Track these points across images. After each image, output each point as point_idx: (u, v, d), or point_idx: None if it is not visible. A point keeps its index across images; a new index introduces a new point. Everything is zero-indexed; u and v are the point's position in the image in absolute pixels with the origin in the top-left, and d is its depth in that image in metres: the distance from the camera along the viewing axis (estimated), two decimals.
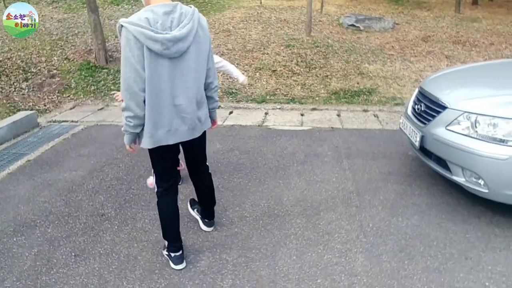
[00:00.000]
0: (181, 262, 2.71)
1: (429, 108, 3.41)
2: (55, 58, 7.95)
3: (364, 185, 3.71)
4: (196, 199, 3.13)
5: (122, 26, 2.18)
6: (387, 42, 8.85)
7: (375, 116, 5.68)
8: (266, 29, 9.30)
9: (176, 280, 2.58)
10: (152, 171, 2.79)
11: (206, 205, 3.05)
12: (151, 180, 3.28)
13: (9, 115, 5.82)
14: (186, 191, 3.60)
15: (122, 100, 2.33)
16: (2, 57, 7.71)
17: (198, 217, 3.17)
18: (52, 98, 6.88)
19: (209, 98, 2.64)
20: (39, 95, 6.87)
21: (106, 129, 5.40)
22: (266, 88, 6.81)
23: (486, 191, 2.97)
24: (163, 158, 2.58)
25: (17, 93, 6.78)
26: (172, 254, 2.72)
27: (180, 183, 3.56)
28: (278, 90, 6.77)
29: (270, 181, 3.82)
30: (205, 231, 3.07)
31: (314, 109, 6.03)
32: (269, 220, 3.19)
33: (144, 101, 2.30)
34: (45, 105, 6.63)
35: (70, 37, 8.89)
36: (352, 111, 5.92)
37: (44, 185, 3.90)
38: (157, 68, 2.25)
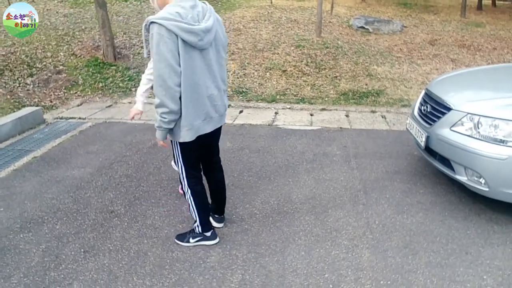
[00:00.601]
0: (216, 237, 2.96)
1: (434, 109, 3.51)
2: (61, 53, 7.85)
3: (371, 183, 3.81)
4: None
5: (152, 23, 2.24)
6: (395, 45, 8.91)
7: (382, 117, 5.77)
8: (276, 29, 9.36)
9: (186, 275, 2.62)
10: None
11: (219, 199, 3.13)
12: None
13: (14, 111, 5.70)
14: None
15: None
16: (5, 51, 7.50)
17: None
18: (58, 94, 6.79)
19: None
20: (44, 91, 6.78)
21: (115, 127, 5.40)
22: (276, 88, 6.91)
23: (487, 189, 3.07)
24: (196, 149, 2.67)
25: (21, 89, 6.66)
26: (208, 234, 2.93)
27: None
28: (288, 90, 6.86)
29: (280, 179, 3.92)
30: (215, 227, 3.14)
31: (323, 109, 6.13)
32: (279, 217, 3.28)
33: (179, 96, 2.37)
34: (51, 102, 6.55)
35: (77, 32, 8.79)
36: (360, 112, 6.01)
37: (52, 182, 3.90)
38: (191, 61, 2.35)
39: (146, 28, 2.31)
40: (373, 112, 6.01)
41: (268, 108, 6.21)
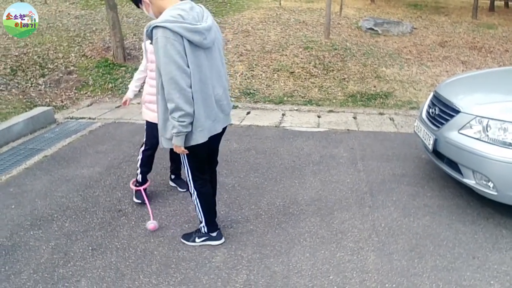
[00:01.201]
0: (222, 237, 2.99)
1: (442, 112, 3.48)
2: (73, 54, 7.96)
3: (378, 186, 3.79)
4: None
5: (155, 27, 2.25)
6: (404, 46, 8.86)
7: (390, 119, 5.74)
8: (285, 30, 9.36)
9: (192, 274, 2.64)
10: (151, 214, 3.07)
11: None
12: (152, 225, 3.17)
13: (26, 111, 5.80)
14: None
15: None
16: (18, 52, 7.66)
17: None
18: (69, 94, 6.89)
19: None
20: (56, 91, 6.89)
21: (124, 127, 5.45)
22: (284, 90, 6.91)
23: (495, 193, 3.04)
24: (204, 152, 2.66)
25: (33, 89, 6.78)
26: (214, 234, 2.96)
27: (184, 190, 3.68)
28: (295, 91, 6.86)
29: (286, 180, 3.92)
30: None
31: (330, 111, 6.12)
32: (284, 218, 3.28)
33: (192, 97, 2.36)
34: (62, 102, 6.64)
35: (87, 33, 8.88)
36: (368, 114, 5.98)
37: (62, 181, 3.96)
38: (197, 61, 2.36)
39: (148, 34, 2.32)
40: (381, 114, 5.98)
41: (276, 109, 6.22)
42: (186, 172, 2.75)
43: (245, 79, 7.20)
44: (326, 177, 3.98)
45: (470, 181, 3.21)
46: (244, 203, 3.52)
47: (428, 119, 3.71)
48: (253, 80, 7.19)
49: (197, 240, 2.97)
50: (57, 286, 2.57)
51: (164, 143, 2.58)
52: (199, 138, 2.48)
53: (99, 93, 6.97)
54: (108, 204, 3.51)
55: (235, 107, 6.23)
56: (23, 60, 7.45)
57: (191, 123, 2.41)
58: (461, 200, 3.52)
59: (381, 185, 3.80)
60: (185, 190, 3.65)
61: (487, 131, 3.06)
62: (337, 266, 2.71)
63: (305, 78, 7.30)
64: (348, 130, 5.32)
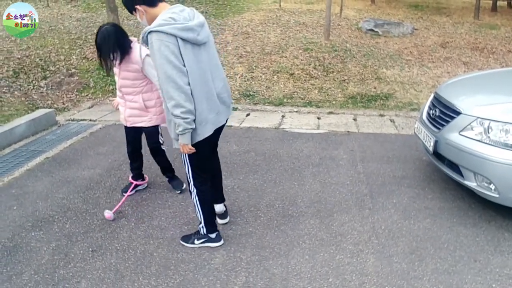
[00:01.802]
0: (221, 239, 2.99)
1: (443, 113, 3.46)
2: (74, 57, 7.99)
3: (378, 188, 3.77)
4: None
5: (150, 32, 2.33)
6: (405, 48, 8.84)
7: (391, 121, 5.72)
8: (284, 32, 9.35)
9: (191, 276, 2.65)
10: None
11: (219, 185, 3.19)
12: (107, 214, 3.32)
13: (28, 113, 5.85)
14: None
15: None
16: (21, 54, 7.72)
17: None
18: (70, 96, 6.93)
19: None
20: (57, 93, 6.92)
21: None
22: (284, 91, 6.90)
23: (497, 196, 3.01)
24: (207, 146, 2.71)
25: (35, 91, 6.82)
26: (213, 235, 2.95)
27: (179, 192, 3.73)
28: (295, 93, 6.85)
29: (285, 182, 3.91)
30: (220, 223, 3.20)
31: (330, 112, 6.10)
32: (283, 220, 3.27)
33: (192, 94, 2.43)
34: (63, 104, 6.67)
35: (89, 36, 8.89)
36: (368, 116, 5.96)
37: (63, 182, 3.99)
38: (195, 57, 2.45)
39: (144, 40, 2.39)
40: (381, 115, 5.96)
41: (275, 111, 6.20)
42: (186, 170, 2.76)
43: (245, 81, 7.19)
44: (325, 179, 3.96)
45: (471, 183, 3.18)
46: (243, 205, 3.51)
47: (429, 120, 3.69)
48: (253, 82, 7.18)
49: (196, 242, 2.97)
50: (57, 287, 2.59)
51: (175, 144, 2.65)
52: (205, 132, 2.56)
53: (100, 95, 7.00)
54: (108, 206, 3.51)
55: (234, 109, 6.21)
56: (26, 62, 7.51)
57: (194, 120, 2.47)
58: (462, 203, 3.49)
59: (381, 187, 3.78)
60: (179, 191, 3.70)
61: (488, 132, 3.04)
62: (337, 269, 2.70)
63: (305, 80, 7.28)
64: (348, 131, 5.30)
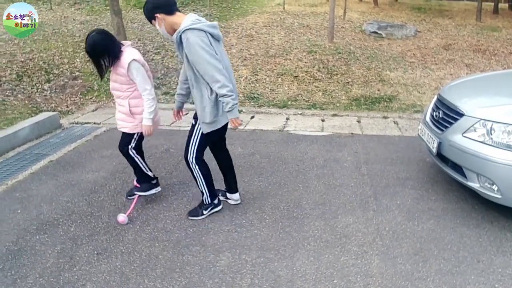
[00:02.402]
0: (221, 203, 3.46)
1: (446, 115, 3.49)
2: (78, 60, 7.99)
3: (382, 190, 3.79)
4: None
5: (184, 31, 2.75)
6: (408, 50, 8.86)
7: (394, 123, 5.74)
8: (288, 34, 9.38)
9: (196, 278, 2.66)
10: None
11: (232, 175, 3.53)
12: (121, 218, 3.33)
13: (31, 116, 5.86)
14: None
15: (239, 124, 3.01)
16: (24, 57, 7.73)
17: (224, 198, 3.60)
18: (74, 100, 6.93)
19: None
20: (61, 96, 6.92)
21: None
22: (288, 94, 6.93)
23: (500, 196, 3.03)
24: (220, 133, 3.20)
25: (39, 94, 6.83)
26: (216, 201, 3.40)
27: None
28: (299, 95, 6.88)
29: (290, 184, 3.93)
30: (236, 202, 3.56)
31: (334, 115, 6.13)
32: (288, 222, 3.29)
33: None
34: (67, 107, 6.67)
35: None
36: (372, 118, 5.99)
37: (67, 185, 3.99)
38: (220, 50, 2.92)
39: (178, 40, 2.81)
40: (385, 117, 5.98)
41: (280, 113, 6.23)
42: (190, 150, 3.15)
43: (249, 84, 7.23)
44: (330, 181, 3.98)
45: (475, 184, 3.20)
46: (248, 207, 3.53)
47: (432, 122, 3.71)
48: (257, 85, 7.21)
49: (204, 212, 3.35)
50: None
51: (205, 128, 3.05)
52: (235, 113, 2.95)
53: (104, 98, 7.00)
54: (113, 209, 3.53)
55: (239, 111, 6.24)
56: (29, 65, 7.51)
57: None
58: (466, 204, 3.51)
59: (385, 189, 3.81)
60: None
61: (491, 134, 3.06)
62: (341, 270, 2.71)
63: (309, 82, 7.31)
64: (352, 134, 5.33)
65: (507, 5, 14.56)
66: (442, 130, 3.48)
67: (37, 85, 7.07)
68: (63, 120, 6.05)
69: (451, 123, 3.39)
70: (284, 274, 2.69)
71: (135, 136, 3.46)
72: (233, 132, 5.22)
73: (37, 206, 3.62)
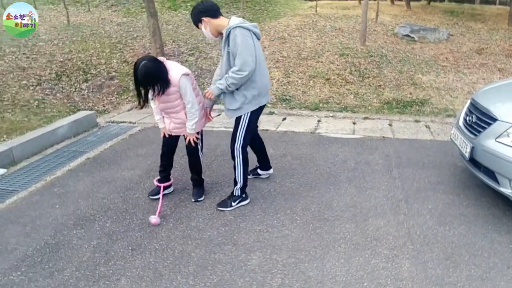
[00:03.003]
0: (248, 197, 3.69)
1: (480, 119, 3.47)
2: (114, 60, 8.20)
3: (413, 193, 3.79)
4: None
5: (235, 27, 3.16)
6: (441, 53, 8.72)
7: (426, 127, 5.70)
8: (320, 37, 9.39)
9: (228, 276, 2.70)
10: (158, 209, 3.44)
11: (266, 155, 4.05)
12: (154, 220, 3.38)
13: (70, 115, 6.06)
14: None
15: (210, 97, 3.39)
16: (63, 58, 8.00)
17: (256, 175, 4.12)
18: (111, 99, 7.12)
19: None
20: (98, 96, 7.14)
21: None
22: (320, 96, 6.96)
23: None
24: (257, 120, 3.58)
25: (77, 93, 7.06)
26: (244, 195, 3.64)
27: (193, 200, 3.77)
28: (331, 98, 6.90)
29: (321, 186, 3.97)
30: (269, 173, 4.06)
31: (366, 118, 6.13)
32: (319, 224, 3.33)
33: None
34: (104, 106, 6.86)
35: (129, 40, 9.18)
36: (404, 121, 5.96)
37: (103, 182, 4.12)
38: (258, 48, 3.30)
39: (226, 35, 3.19)
40: (417, 121, 5.94)
41: (311, 116, 6.28)
42: (238, 139, 3.44)
43: (281, 86, 7.29)
44: (361, 184, 4.01)
45: (507, 190, 3.18)
46: (279, 208, 3.59)
47: (465, 126, 3.70)
48: (289, 87, 7.28)
49: (233, 204, 3.56)
50: (98, 284, 2.67)
51: (228, 113, 3.45)
52: (263, 99, 3.45)
53: None
54: (147, 206, 3.63)
55: (271, 113, 6.34)
56: (68, 65, 7.79)
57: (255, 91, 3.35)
58: (498, 210, 3.48)
59: (417, 193, 3.81)
60: (194, 200, 3.73)
61: None
62: (372, 273, 2.73)
63: (340, 85, 7.32)
64: (383, 137, 5.33)
65: None
66: (475, 135, 3.47)
67: (75, 84, 7.33)
68: (100, 119, 6.23)
69: (484, 128, 3.37)
70: (314, 275, 2.72)
71: (201, 137, 3.69)
72: (265, 133, 5.32)
73: (74, 202, 3.75)
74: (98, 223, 3.38)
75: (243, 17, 3.81)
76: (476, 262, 2.83)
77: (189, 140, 3.58)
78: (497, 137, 3.22)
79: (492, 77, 7.59)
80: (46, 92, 6.83)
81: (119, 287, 2.65)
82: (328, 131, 5.57)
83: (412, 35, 9.57)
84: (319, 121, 6.03)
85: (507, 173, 3.13)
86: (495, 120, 3.28)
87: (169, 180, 3.84)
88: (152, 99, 3.41)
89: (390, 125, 5.82)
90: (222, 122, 5.89)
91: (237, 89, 3.32)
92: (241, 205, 3.59)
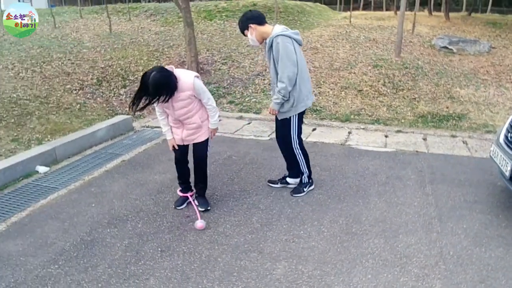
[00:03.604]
0: (313, 183, 4.09)
1: None
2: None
3: (447, 212, 3.65)
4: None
5: (276, 36, 3.43)
6: (481, 66, 8.45)
7: (463, 143, 5.49)
8: (354, 48, 9.31)
9: (253, 284, 2.70)
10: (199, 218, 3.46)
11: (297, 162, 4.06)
12: (200, 224, 3.41)
13: (108, 118, 6.32)
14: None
15: (275, 113, 3.69)
16: (104, 64, 8.33)
17: (286, 184, 4.13)
18: None
19: None
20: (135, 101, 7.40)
21: None
22: (351, 108, 6.86)
23: None
24: (302, 119, 3.82)
25: (115, 98, 7.29)
26: (311, 180, 4.04)
27: (203, 210, 3.70)
28: (363, 110, 6.78)
29: (350, 199, 3.89)
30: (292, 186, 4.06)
31: (399, 131, 5.98)
32: (347, 237, 3.25)
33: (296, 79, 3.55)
34: (140, 111, 7.08)
35: (165, 48, 9.44)
36: (439, 136, 5.77)
37: (136, 184, 4.25)
38: (300, 54, 3.57)
39: (270, 42, 3.48)
40: (453, 136, 5.74)
41: (342, 127, 6.19)
42: (293, 139, 3.78)
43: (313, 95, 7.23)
44: (391, 199, 3.90)
45: None
46: (306, 218, 3.54)
47: (506, 144, 3.53)
48: (320, 97, 7.21)
49: (304, 189, 3.97)
50: (128, 282, 2.75)
51: (280, 116, 3.72)
52: (308, 102, 3.71)
53: None
54: (177, 210, 3.70)
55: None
56: (108, 71, 8.08)
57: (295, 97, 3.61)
58: None
59: (451, 211, 3.65)
60: (203, 209, 3.69)
61: None
62: None
63: (373, 97, 7.19)
64: (417, 151, 5.17)
65: None
66: None
67: (114, 90, 7.57)
68: (136, 123, 6.43)
69: None
70: None
71: (209, 142, 3.69)
72: None
73: (109, 202, 3.89)
74: (130, 223, 3.49)
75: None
76: None
77: (199, 147, 3.61)
78: None
79: None
80: (88, 96, 7.08)
81: (147, 287, 2.70)
82: (358, 143, 5.47)
83: (450, 47, 9.33)
84: (349, 132, 5.93)
85: None
86: None
87: (192, 189, 3.86)
88: (159, 112, 3.54)
89: (424, 139, 5.65)
90: (252, 131, 5.89)
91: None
92: (310, 190, 4.00)
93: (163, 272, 2.84)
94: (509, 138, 3.51)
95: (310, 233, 3.31)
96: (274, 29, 3.55)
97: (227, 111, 6.99)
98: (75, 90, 7.16)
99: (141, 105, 3.28)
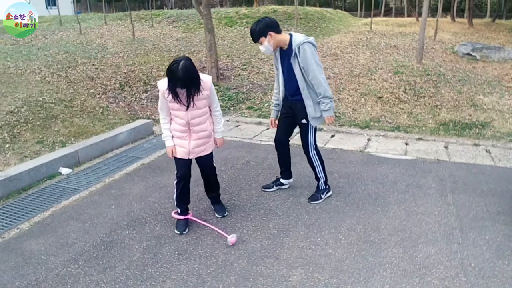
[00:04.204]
0: (331, 190, 4.09)
1: None
2: None
3: (469, 222, 3.56)
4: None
5: (304, 42, 3.50)
6: (506, 74, 8.26)
7: (487, 151, 5.37)
8: (374, 54, 9.24)
9: None
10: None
11: (290, 165, 4.16)
12: (232, 239, 3.27)
13: (129, 122, 6.45)
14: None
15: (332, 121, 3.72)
16: (127, 69, 8.49)
17: (281, 185, 4.19)
18: None
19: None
20: (155, 106, 7.33)
21: None
22: (371, 114, 6.79)
23: None
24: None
25: (137, 103, 7.43)
26: (328, 187, 4.03)
27: (220, 216, 3.70)
28: (383, 117, 6.71)
29: (368, 207, 3.85)
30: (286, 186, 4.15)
31: (419, 139, 5.88)
32: (364, 245, 3.21)
33: None
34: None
35: (186, 54, 9.52)
36: (461, 144, 5.66)
37: (155, 187, 4.31)
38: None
39: (297, 49, 3.51)
40: (476, 145, 5.62)
41: (361, 134, 6.13)
42: (310, 144, 3.82)
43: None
44: (411, 208, 3.83)
45: None
46: (324, 226, 3.52)
47: None
48: (340, 104, 7.17)
49: (322, 196, 3.96)
50: (145, 284, 2.79)
51: (314, 122, 3.71)
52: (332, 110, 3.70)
53: None
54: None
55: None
56: (130, 77, 8.25)
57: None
58: None
59: (473, 222, 3.57)
60: (221, 216, 3.69)
61: None
62: None
63: (393, 104, 7.11)
64: (438, 160, 5.08)
65: None
66: None
67: (136, 94, 7.73)
68: (156, 127, 6.45)
69: None
70: None
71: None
72: None
73: (128, 204, 3.97)
74: (149, 226, 3.55)
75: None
76: None
77: (206, 159, 3.52)
78: None
79: None
80: (110, 101, 7.24)
81: None
82: (378, 151, 5.41)
83: (473, 54, 9.17)
84: (369, 139, 5.87)
85: None
86: None
87: (189, 212, 3.62)
88: (163, 116, 3.38)
89: (446, 147, 5.55)
90: (270, 136, 5.89)
91: (315, 100, 3.66)
92: (328, 196, 4.00)
93: (179, 275, 2.87)
94: None
95: (327, 241, 3.28)
96: (294, 36, 3.60)
97: (246, 116, 7.01)
98: (99, 94, 7.32)
99: (183, 98, 3.15)
